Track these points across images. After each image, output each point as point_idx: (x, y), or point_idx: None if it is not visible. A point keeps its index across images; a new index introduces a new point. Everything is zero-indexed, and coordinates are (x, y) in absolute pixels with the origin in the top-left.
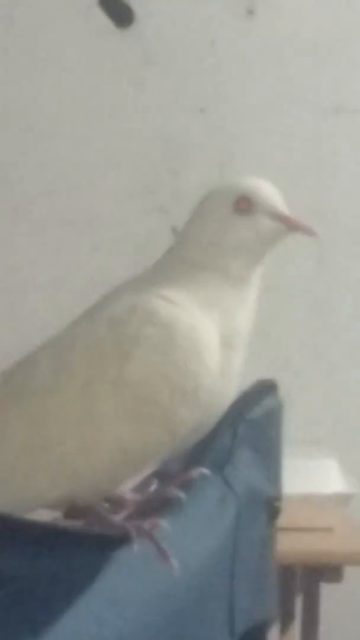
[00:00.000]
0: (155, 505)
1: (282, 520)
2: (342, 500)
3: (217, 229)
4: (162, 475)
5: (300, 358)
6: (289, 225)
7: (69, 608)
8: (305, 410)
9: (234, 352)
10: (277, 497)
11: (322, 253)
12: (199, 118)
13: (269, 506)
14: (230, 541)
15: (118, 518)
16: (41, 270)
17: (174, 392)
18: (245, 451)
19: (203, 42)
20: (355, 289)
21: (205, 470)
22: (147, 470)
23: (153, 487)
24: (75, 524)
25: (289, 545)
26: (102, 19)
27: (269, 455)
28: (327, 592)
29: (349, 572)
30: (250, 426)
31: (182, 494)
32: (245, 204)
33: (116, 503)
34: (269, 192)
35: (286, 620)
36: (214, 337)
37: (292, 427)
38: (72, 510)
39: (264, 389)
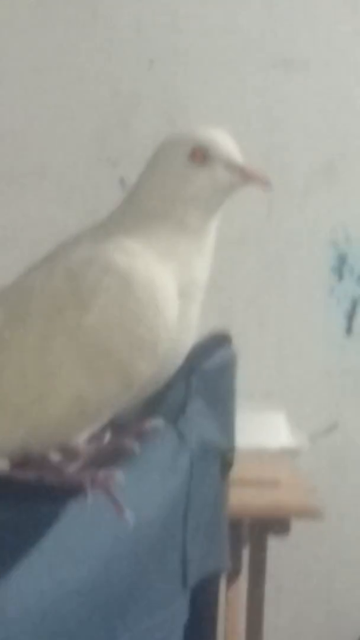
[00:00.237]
0: (109, 457)
1: (231, 473)
2: (290, 454)
3: (173, 180)
4: (117, 426)
5: (250, 312)
6: (245, 175)
7: (23, 558)
8: (254, 364)
9: (191, 302)
10: (230, 449)
11: (271, 206)
12: (149, 69)
13: (222, 458)
14: (183, 492)
15: (72, 469)
16: None
17: (131, 342)
18: (198, 403)
19: None
20: (305, 243)
21: (159, 422)
22: (102, 422)
23: (107, 438)
24: (29, 475)
25: (237, 498)
26: None
27: (222, 407)
28: (274, 545)
29: (296, 525)
30: (204, 378)
31: (136, 445)
32: (200, 154)
33: (70, 454)
34: (225, 142)
35: (233, 573)
36: (172, 288)
37: (241, 381)
38: (26, 459)
39: (218, 341)
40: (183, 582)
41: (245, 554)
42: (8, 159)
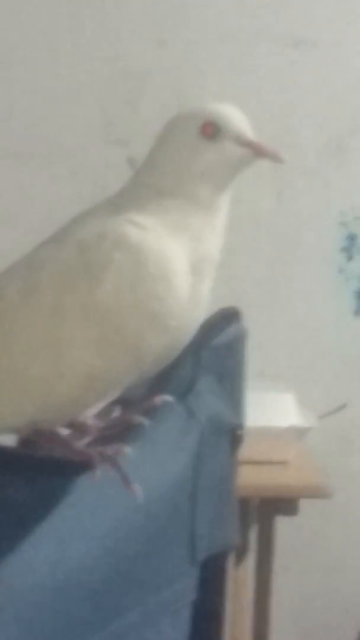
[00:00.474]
0: (118, 432)
1: (239, 453)
2: (298, 433)
3: (184, 155)
4: (125, 402)
5: (259, 292)
6: (256, 150)
7: (32, 533)
8: (263, 344)
9: (202, 278)
10: (240, 425)
11: (281, 188)
12: (158, 50)
13: (232, 434)
14: (192, 468)
15: (81, 444)
16: None
17: (142, 317)
18: (208, 379)
19: None
20: (314, 224)
21: (168, 397)
22: (111, 397)
23: (116, 413)
24: (38, 450)
25: (245, 478)
26: None
27: (232, 383)
28: (282, 525)
29: (304, 505)
30: (213, 353)
31: (145, 421)
32: (211, 129)
33: (79, 429)
34: (236, 117)
35: (241, 553)
36: (184, 263)
37: (250, 361)
38: (35, 435)
39: (228, 317)
40: (192, 559)
41: (253, 533)
42: (17, 139)
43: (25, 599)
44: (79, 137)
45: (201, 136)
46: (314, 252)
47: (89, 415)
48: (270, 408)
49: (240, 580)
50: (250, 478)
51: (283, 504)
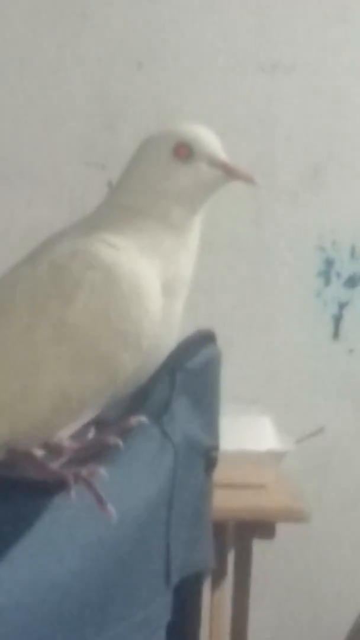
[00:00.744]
0: (93, 453)
1: (216, 476)
2: (276, 457)
3: (156, 176)
4: (100, 423)
5: (237, 316)
6: (229, 172)
7: (6, 553)
8: (240, 367)
9: (174, 298)
10: (214, 447)
11: (259, 212)
12: (137, 73)
13: (206, 456)
14: (167, 490)
15: (56, 465)
16: None
17: (115, 336)
18: (183, 400)
19: None
20: (292, 249)
21: (143, 419)
22: (86, 418)
23: (91, 434)
24: (13, 470)
25: (222, 501)
26: None
27: (206, 405)
28: (259, 549)
29: (281, 528)
30: (188, 375)
31: (120, 442)
32: (184, 151)
33: (54, 450)
34: (209, 138)
35: (218, 576)
36: (156, 283)
37: (228, 384)
38: (9, 456)
39: (203, 339)
40: (166, 581)
41: (231, 557)
42: None
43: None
44: (57, 160)
45: (174, 157)
46: (292, 276)
47: (64, 436)
48: (248, 432)
49: (217, 603)
50: (228, 501)
51: (260, 527)
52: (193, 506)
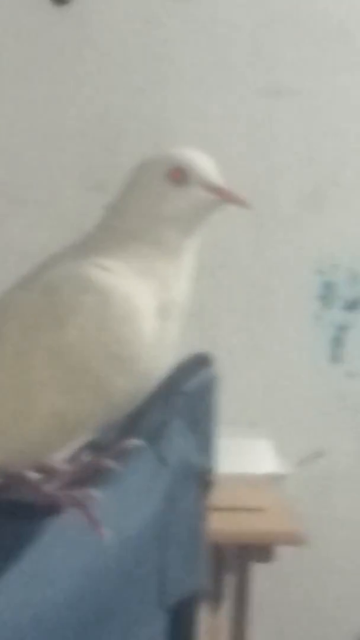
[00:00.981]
0: (88, 476)
1: (215, 500)
2: (275, 480)
3: (151, 199)
4: (96, 446)
5: (236, 339)
6: (223, 196)
7: None
8: (239, 390)
9: (170, 321)
10: (210, 470)
11: (258, 235)
12: (137, 97)
13: (202, 479)
14: (162, 512)
15: (50, 487)
16: None
17: (108, 360)
18: (179, 423)
19: (141, 20)
20: (291, 272)
21: (138, 442)
22: (80, 441)
23: (86, 457)
24: (6, 493)
25: (221, 524)
26: None
27: (202, 428)
28: (258, 572)
29: (279, 552)
30: (184, 398)
31: (115, 465)
32: (179, 175)
33: (48, 473)
34: (203, 162)
35: (216, 599)
36: (150, 306)
37: (227, 408)
38: (3, 478)
39: (199, 362)
40: (161, 602)
41: (229, 580)
42: None
43: None
44: (56, 182)
45: (168, 181)
46: (291, 300)
47: (59, 459)
48: (247, 455)
49: (215, 628)
50: (226, 524)
51: (259, 550)
52: (188, 528)
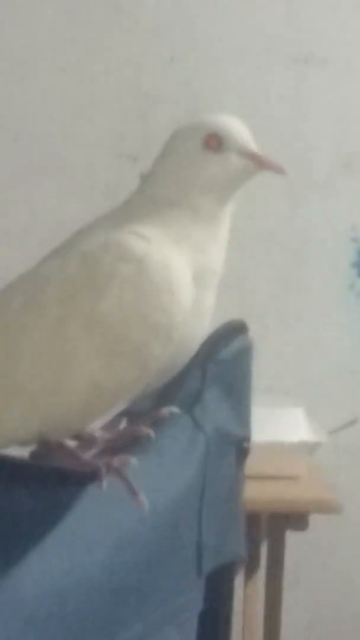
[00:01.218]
0: (125, 443)
1: (249, 468)
2: (309, 448)
3: (186, 167)
4: (132, 413)
5: (270, 307)
6: (259, 162)
7: (40, 543)
8: (274, 359)
9: (205, 289)
10: (246, 438)
11: (292, 203)
12: (169, 66)
13: (238, 446)
14: (198, 480)
15: (88, 455)
16: (10, 218)
17: (146, 327)
18: (214, 391)
19: None
20: (325, 240)
21: (175, 409)
22: (117, 409)
23: (122, 425)
24: (45, 461)
25: (255, 493)
26: None
27: (238, 396)
28: (292, 540)
29: (314, 520)
30: (219, 366)
31: (151, 432)
32: (214, 141)
33: (86, 441)
34: (239, 129)
35: (251, 568)
36: (187, 274)
37: (260, 376)
38: (42, 447)
39: (234, 330)
40: (198, 570)
41: (264, 548)
42: (27, 155)
43: (33, 608)
44: (89, 152)
45: (204, 148)
46: (325, 268)
47: (96, 427)
48: (281, 423)
49: (250, 595)
50: (261, 493)
51: (293, 519)
52: (225, 496)
